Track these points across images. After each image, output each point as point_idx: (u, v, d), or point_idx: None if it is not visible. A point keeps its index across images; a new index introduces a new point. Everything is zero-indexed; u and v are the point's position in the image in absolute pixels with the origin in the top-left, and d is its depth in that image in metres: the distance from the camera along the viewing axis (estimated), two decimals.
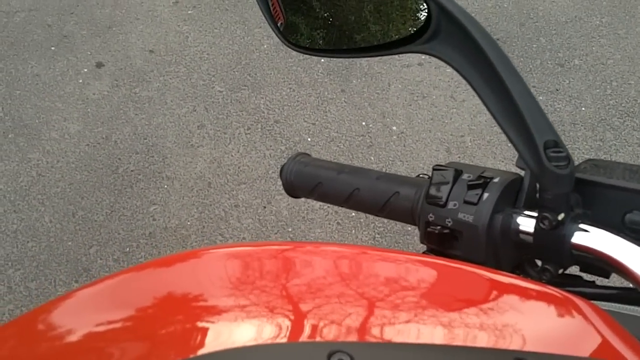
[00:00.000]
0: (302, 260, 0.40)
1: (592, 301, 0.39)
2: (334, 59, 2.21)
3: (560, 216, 0.45)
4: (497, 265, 0.49)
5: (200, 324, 0.34)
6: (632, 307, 0.46)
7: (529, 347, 0.33)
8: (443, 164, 0.53)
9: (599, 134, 2.37)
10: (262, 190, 2.20)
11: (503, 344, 0.33)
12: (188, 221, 2.11)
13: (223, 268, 0.40)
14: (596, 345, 0.35)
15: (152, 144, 2.35)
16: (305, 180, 0.62)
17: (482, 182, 0.49)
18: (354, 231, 2.07)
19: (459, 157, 2.30)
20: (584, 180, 0.47)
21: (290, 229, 2.08)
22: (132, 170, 2.26)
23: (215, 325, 0.34)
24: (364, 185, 0.57)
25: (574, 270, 0.50)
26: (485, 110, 0.47)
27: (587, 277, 0.51)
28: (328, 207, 2.09)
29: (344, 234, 2.07)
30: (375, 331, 0.32)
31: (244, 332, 0.32)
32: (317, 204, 2.11)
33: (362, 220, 2.09)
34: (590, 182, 0.47)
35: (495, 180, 0.49)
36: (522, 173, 0.50)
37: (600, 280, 0.51)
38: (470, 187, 0.49)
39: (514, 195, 0.49)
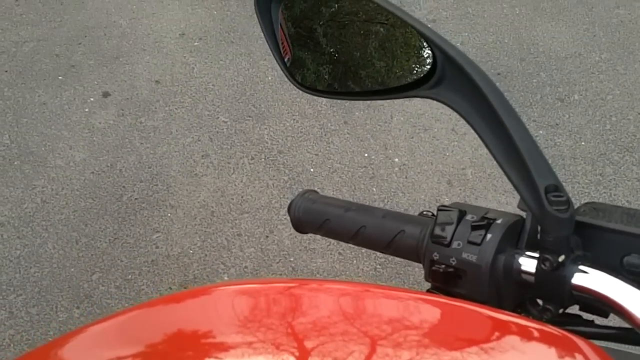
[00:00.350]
0: (308, 298, 0.42)
1: (591, 340, 0.40)
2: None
3: (561, 258, 0.47)
4: (499, 303, 0.50)
5: None
6: (629, 347, 0.47)
7: None
8: (447, 203, 0.54)
9: (599, 169, 2.39)
10: (264, 220, 2.21)
11: None
12: (190, 249, 2.11)
13: (231, 305, 0.41)
14: None
15: (157, 172, 2.37)
16: (313, 217, 0.63)
17: (485, 223, 0.50)
18: (355, 261, 2.08)
19: (460, 189, 2.32)
20: (583, 224, 0.49)
21: (292, 259, 2.09)
22: (136, 199, 2.28)
23: None
24: (370, 223, 0.59)
25: (573, 309, 0.52)
26: None
27: (586, 316, 0.52)
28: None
29: (345, 264, 2.07)
30: None
31: None
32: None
33: (363, 251, 2.09)
34: (590, 225, 0.49)
35: (498, 221, 0.50)
36: (524, 214, 0.51)
37: (599, 320, 0.52)
38: (474, 227, 0.50)
39: (516, 236, 0.51)
